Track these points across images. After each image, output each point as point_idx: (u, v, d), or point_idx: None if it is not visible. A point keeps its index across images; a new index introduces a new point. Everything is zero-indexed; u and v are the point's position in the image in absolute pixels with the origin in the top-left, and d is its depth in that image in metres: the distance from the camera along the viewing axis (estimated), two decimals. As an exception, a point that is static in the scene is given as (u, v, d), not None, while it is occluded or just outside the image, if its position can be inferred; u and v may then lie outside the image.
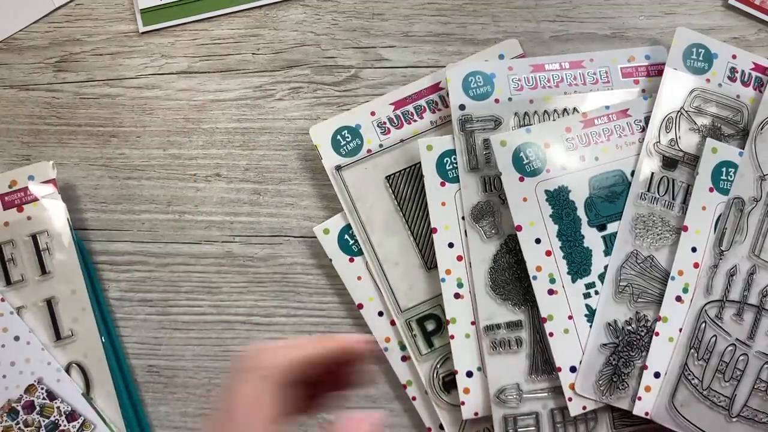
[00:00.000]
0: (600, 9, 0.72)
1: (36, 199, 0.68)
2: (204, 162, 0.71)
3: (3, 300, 0.66)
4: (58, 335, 0.67)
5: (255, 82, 0.72)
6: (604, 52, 0.70)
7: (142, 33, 0.72)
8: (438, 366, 0.66)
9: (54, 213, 0.68)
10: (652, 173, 0.66)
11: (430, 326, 0.67)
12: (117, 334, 0.70)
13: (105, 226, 0.71)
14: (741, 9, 0.70)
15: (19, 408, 0.65)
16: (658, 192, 0.66)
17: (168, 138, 0.71)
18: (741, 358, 0.62)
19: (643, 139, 0.66)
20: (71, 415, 0.65)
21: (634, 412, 0.62)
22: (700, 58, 0.67)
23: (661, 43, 0.70)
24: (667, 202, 0.65)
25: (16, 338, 0.66)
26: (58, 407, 0.65)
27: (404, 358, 0.67)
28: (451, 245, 0.65)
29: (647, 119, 0.67)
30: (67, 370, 0.66)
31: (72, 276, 0.67)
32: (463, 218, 0.65)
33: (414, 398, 0.67)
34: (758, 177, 0.64)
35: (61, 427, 0.65)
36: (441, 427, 0.66)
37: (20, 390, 0.65)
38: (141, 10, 0.72)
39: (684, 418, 0.62)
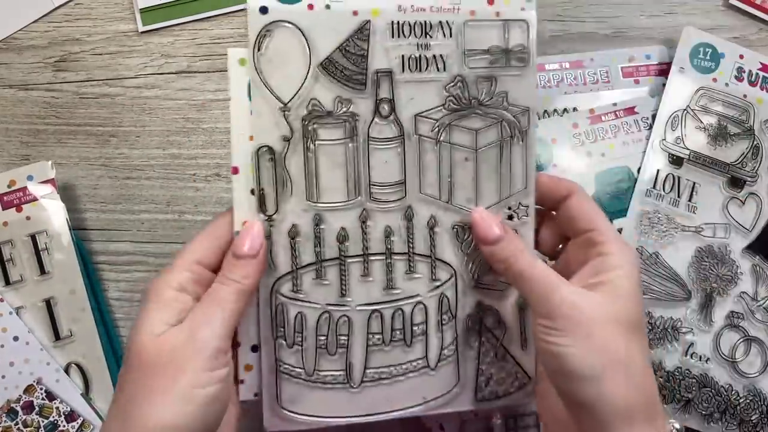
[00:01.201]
0: (600, 8, 0.72)
1: (35, 199, 0.67)
2: (204, 162, 0.71)
3: (2, 300, 0.66)
4: (57, 335, 0.66)
5: (255, 82, 0.72)
6: (605, 51, 0.70)
7: (142, 32, 0.72)
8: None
9: (53, 213, 0.67)
10: (658, 170, 0.66)
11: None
12: (116, 334, 0.69)
13: (104, 226, 0.71)
14: (742, 8, 0.70)
15: (18, 408, 0.65)
16: (664, 189, 0.66)
17: (167, 138, 0.71)
18: (341, 320, 0.53)
19: (650, 136, 0.66)
20: (70, 416, 0.65)
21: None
22: (707, 58, 0.67)
23: (662, 43, 0.70)
24: (672, 200, 0.65)
25: (15, 338, 0.66)
26: (57, 407, 0.65)
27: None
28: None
29: (654, 117, 0.67)
30: (66, 370, 0.66)
31: (71, 276, 0.67)
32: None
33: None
34: (279, 109, 0.51)
35: (61, 428, 0.65)
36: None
37: (19, 390, 0.65)
38: (140, 9, 0.71)
39: (300, 414, 0.53)
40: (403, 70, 0.51)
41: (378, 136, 0.52)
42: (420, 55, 0.52)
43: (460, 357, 0.55)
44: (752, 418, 0.64)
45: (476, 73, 0.52)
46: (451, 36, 0.52)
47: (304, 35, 0.50)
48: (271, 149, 0.51)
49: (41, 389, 0.65)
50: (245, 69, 0.50)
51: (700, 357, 0.65)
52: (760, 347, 0.65)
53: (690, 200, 0.66)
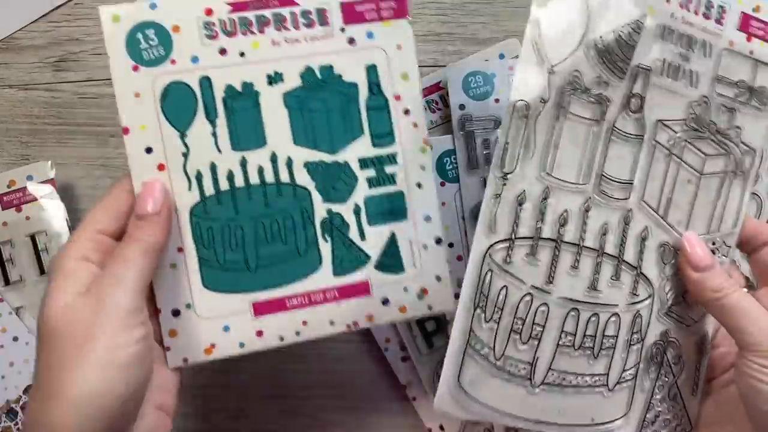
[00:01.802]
0: (601, 8, 0.71)
1: (35, 199, 0.67)
2: (203, 162, 0.71)
3: (2, 300, 0.66)
4: (56, 336, 0.67)
5: (255, 82, 0.71)
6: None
7: (142, 32, 0.72)
8: (438, 366, 0.66)
9: (53, 213, 0.67)
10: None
11: (430, 326, 0.66)
12: (116, 335, 0.69)
13: (104, 226, 0.71)
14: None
15: (18, 408, 0.65)
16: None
17: (167, 138, 0.71)
18: (541, 309, 0.51)
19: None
20: (70, 416, 0.65)
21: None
22: None
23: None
24: None
25: (15, 338, 0.66)
26: (56, 408, 0.65)
27: (404, 359, 0.67)
28: (450, 245, 0.65)
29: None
30: (66, 370, 0.66)
31: (71, 276, 0.67)
32: (463, 218, 0.65)
33: (414, 398, 0.67)
34: (548, 69, 0.50)
35: (60, 428, 0.65)
36: (441, 427, 0.66)
37: (19, 390, 0.65)
38: (140, 9, 0.71)
39: (475, 400, 0.51)
40: (661, 74, 0.52)
41: (622, 128, 0.52)
42: (679, 65, 0.52)
43: (637, 385, 0.54)
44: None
45: (720, 101, 0.53)
46: (710, 56, 0.53)
47: (587, 5, 0.50)
48: (527, 106, 0.50)
49: (41, 389, 0.65)
50: (119, 25, 0.50)
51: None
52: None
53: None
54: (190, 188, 0.52)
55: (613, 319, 0.52)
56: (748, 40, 0.54)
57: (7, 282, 0.67)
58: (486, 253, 0.50)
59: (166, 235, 0.49)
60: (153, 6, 0.51)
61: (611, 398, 0.52)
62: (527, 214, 0.50)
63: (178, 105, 0.51)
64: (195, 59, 0.51)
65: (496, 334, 0.50)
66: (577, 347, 0.51)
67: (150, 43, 0.51)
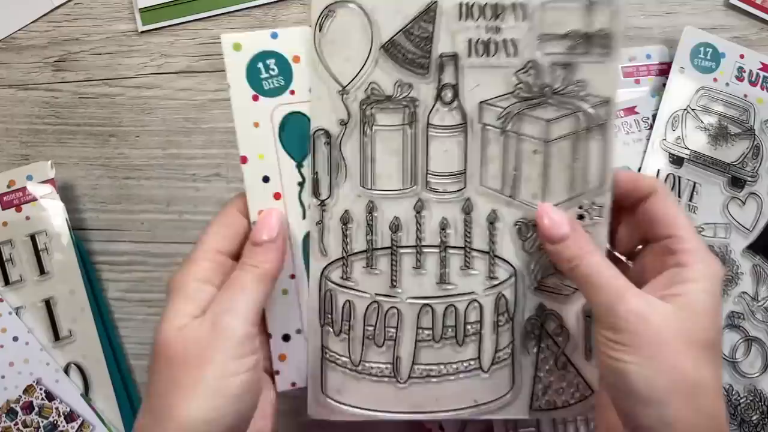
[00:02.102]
0: (601, 8, 0.71)
1: (35, 199, 0.67)
2: (204, 162, 0.71)
3: (2, 300, 0.66)
4: (56, 335, 0.66)
5: (255, 82, 0.72)
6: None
7: (142, 32, 0.72)
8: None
9: (53, 213, 0.67)
10: (659, 170, 0.66)
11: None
12: (116, 335, 0.69)
13: (104, 226, 0.71)
14: (742, 8, 0.70)
15: (18, 408, 0.65)
16: (664, 188, 0.66)
17: (167, 138, 0.71)
18: (390, 313, 0.51)
19: (650, 136, 0.66)
20: (70, 416, 0.65)
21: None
22: (708, 58, 0.67)
23: (662, 43, 0.70)
24: None
25: (15, 338, 0.66)
26: (56, 408, 0.65)
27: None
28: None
29: (654, 117, 0.67)
30: (66, 370, 0.66)
31: (71, 276, 0.67)
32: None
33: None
34: (338, 92, 0.50)
35: (60, 428, 0.65)
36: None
37: (19, 390, 0.65)
38: (140, 9, 0.71)
39: (346, 404, 0.52)
40: (470, 55, 0.49)
41: (439, 123, 0.50)
42: (489, 39, 0.48)
43: (516, 362, 0.52)
44: (752, 419, 0.64)
45: (551, 60, 0.49)
46: (524, 19, 0.48)
47: (367, 16, 0.48)
48: (327, 132, 0.50)
49: (41, 389, 0.65)
50: (241, 54, 0.50)
51: (701, 357, 0.65)
52: (760, 347, 0.65)
53: (690, 200, 0.66)
54: (304, 217, 0.51)
55: (473, 305, 0.51)
56: None
57: (7, 282, 0.67)
58: (321, 275, 0.51)
59: (281, 263, 0.49)
60: (274, 35, 0.50)
61: (490, 379, 0.52)
62: (356, 231, 0.51)
63: (296, 135, 0.51)
64: None
65: (349, 344, 0.51)
66: (437, 339, 0.51)
67: (270, 72, 0.50)
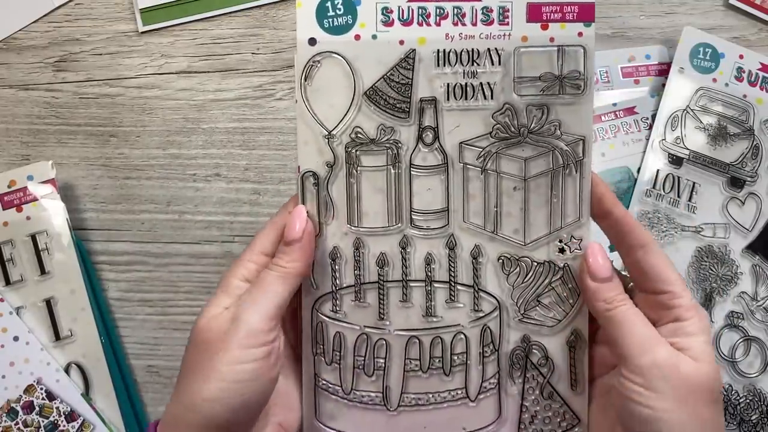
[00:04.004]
0: (600, 9, 0.71)
1: (35, 199, 0.67)
2: (204, 162, 0.71)
3: (2, 300, 0.66)
4: (57, 335, 0.66)
5: (255, 82, 0.72)
6: (605, 51, 0.70)
7: (142, 32, 0.72)
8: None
9: (53, 213, 0.67)
10: (658, 170, 0.66)
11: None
12: (116, 335, 0.69)
13: (104, 226, 0.71)
14: (741, 8, 0.70)
15: (19, 408, 0.65)
16: (664, 189, 0.66)
17: (168, 138, 0.71)
18: (379, 344, 0.53)
19: (650, 136, 0.66)
20: (70, 416, 0.65)
21: None
22: (707, 58, 0.67)
23: (661, 43, 0.70)
24: (672, 200, 0.65)
25: (16, 338, 0.66)
26: (57, 407, 0.65)
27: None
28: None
29: (654, 117, 0.67)
30: (67, 370, 0.66)
31: (71, 276, 0.67)
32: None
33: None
34: (324, 136, 0.52)
35: (61, 428, 0.65)
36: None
37: (19, 390, 0.65)
38: (140, 9, 0.71)
39: (339, 431, 0.54)
40: (448, 99, 0.51)
41: (421, 163, 0.52)
42: (466, 83, 0.51)
43: (502, 391, 0.54)
44: (752, 418, 0.64)
45: (527, 101, 0.51)
46: (499, 63, 0.50)
47: (350, 65, 0.51)
48: (315, 174, 0.52)
49: (41, 389, 0.65)
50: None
51: (700, 357, 0.65)
52: (759, 347, 0.65)
53: (690, 200, 0.66)
54: None
55: (459, 337, 0.53)
56: (544, 28, 0.50)
57: (7, 282, 0.67)
58: (312, 308, 0.53)
59: (305, 261, 0.50)
60: None
61: (477, 407, 0.53)
62: (344, 267, 0.53)
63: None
64: None
65: (341, 373, 0.53)
66: (425, 370, 0.53)
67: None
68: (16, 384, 0.65)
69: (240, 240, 0.70)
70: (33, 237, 0.67)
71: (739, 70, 0.67)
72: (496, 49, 0.51)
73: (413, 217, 0.52)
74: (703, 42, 0.67)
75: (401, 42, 0.50)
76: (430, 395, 0.53)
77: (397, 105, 0.51)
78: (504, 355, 0.53)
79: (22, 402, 0.65)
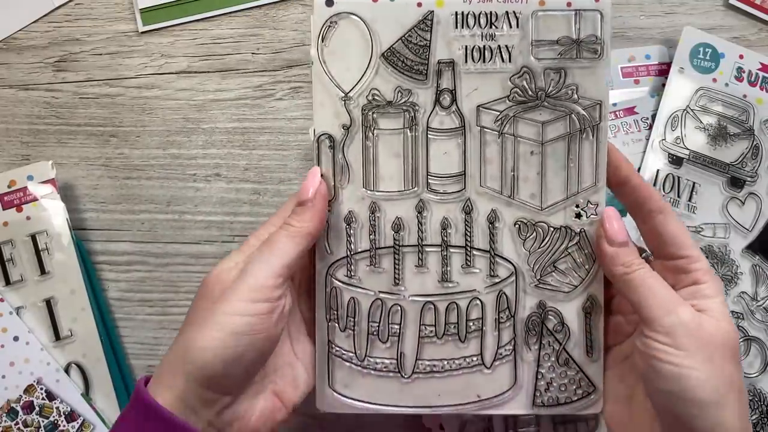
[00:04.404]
0: (601, 8, 0.72)
1: (35, 199, 0.67)
2: (204, 162, 0.71)
3: (2, 300, 0.66)
4: (57, 335, 0.66)
5: (255, 82, 0.72)
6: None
7: (142, 32, 0.72)
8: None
9: (53, 213, 0.67)
10: (658, 170, 0.66)
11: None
12: (116, 335, 0.69)
13: (104, 226, 0.71)
14: (741, 8, 0.70)
15: (19, 408, 0.65)
16: (664, 189, 0.66)
17: (168, 138, 0.71)
18: (394, 310, 0.53)
19: (650, 136, 0.66)
20: (71, 416, 0.65)
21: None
22: (707, 58, 0.67)
23: (661, 43, 0.70)
24: (672, 200, 0.65)
25: (16, 338, 0.66)
26: (57, 407, 0.65)
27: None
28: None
29: (654, 117, 0.67)
30: (67, 370, 0.66)
31: (71, 276, 0.67)
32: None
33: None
34: (340, 99, 0.52)
35: (61, 428, 0.65)
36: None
37: (19, 390, 0.65)
38: (140, 9, 0.71)
39: (352, 399, 0.54)
40: (467, 61, 0.51)
41: (438, 126, 0.52)
42: (484, 46, 0.51)
43: (518, 358, 0.54)
44: (752, 418, 0.64)
45: (544, 65, 0.51)
46: (518, 26, 0.51)
47: (367, 26, 0.51)
48: (330, 137, 0.52)
49: (41, 389, 0.65)
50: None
51: (700, 357, 0.65)
52: (760, 347, 0.65)
53: (690, 200, 0.66)
54: None
55: (475, 303, 0.53)
56: None
57: (7, 282, 0.67)
58: (326, 273, 0.53)
59: (316, 223, 0.51)
60: None
61: (492, 375, 0.53)
62: (359, 231, 0.53)
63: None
64: None
65: (355, 340, 0.53)
66: (440, 336, 0.53)
67: None
68: (16, 384, 0.65)
69: (240, 240, 0.70)
70: (33, 237, 0.67)
71: (739, 70, 0.67)
72: (514, 12, 0.51)
73: (430, 180, 0.53)
74: (703, 42, 0.67)
75: (419, 4, 0.51)
76: (445, 362, 0.53)
77: (415, 67, 0.52)
78: (520, 321, 0.53)
79: (22, 402, 0.65)
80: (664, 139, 0.66)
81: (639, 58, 0.69)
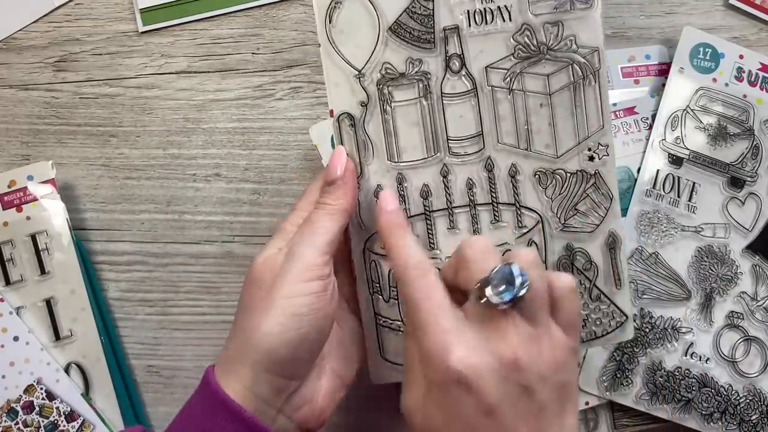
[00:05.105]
0: (601, 8, 0.72)
1: (35, 199, 0.67)
2: (204, 162, 0.71)
3: (2, 300, 0.66)
4: (57, 335, 0.66)
5: (255, 82, 0.72)
6: (605, 51, 0.70)
7: (142, 32, 0.72)
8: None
9: (53, 213, 0.67)
10: (658, 170, 0.66)
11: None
12: (116, 334, 0.69)
13: (104, 226, 0.71)
14: (741, 8, 0.70)
15: (19, 408, 0.65)
16: (664, 189, 0.66)
17: (167, 138, 0.71)
18: None
19: (650, 136, 0.66)
20: (71, 416, 0.65)
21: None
22: (707, 58, 0.67)
23: (661, 43, 0.70)
24: (672, 200, 0.65)
25: (16, 338, 0.66)
26: (57, 407, 0.65)
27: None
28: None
29: (654, 117, 0.67)
30: (67, 370, 0.66)
31: (71, 276, 0.67)
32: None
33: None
34: (354, 77, 0.54)
35: (61, 428, 0.65)
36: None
37: (19, 390, 0.65)
38: (140, 9, 0.71)
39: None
40: (470, 25, 0.53)
41: (451, 91, 0.54)
42: (484, 9, 0.53)
43: None
44: (752, 418, 0.64)
45: (542, 20, 0.53)
46: None
47: (371, 3, 0.53)
48: (350, 116, 0.54)
49: (41, 389, 0.65)
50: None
51: (700, 357, 0.65)
52: (760, 347, 0.65)
53: (690, 200, 0.66)
54: None
55: None
56: None
57: (7, 282, 0.67)
58: (364, 247, 0.55)
59: (350, 198, 0.52)
60: None
61: None
62: None
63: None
64: None
65: (400, 308, 0.55)
66: None
67: None
68: (16, 384, 0.65)
69: (240, 240, 0.70)
70: (33, 237, 0.67)
71: (739, 70, 0.67)
72: None
73: (450, 144, 0.55)
74: (703, 42, 0.67)
75: None
76: None
77: (422, 36, 0.54)
78: (551, 265, 0.56)
79: (22, 402, 0.65)
80: (664, 139, 0.66)
81: (639, 58, 0.69)
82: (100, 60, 0.72)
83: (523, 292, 0.43)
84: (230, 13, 0.72)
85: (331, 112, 0.54)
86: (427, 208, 0.55)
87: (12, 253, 0.67)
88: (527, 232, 0.55)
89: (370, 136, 0.54)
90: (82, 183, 0.71)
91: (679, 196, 0.66)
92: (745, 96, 0.67)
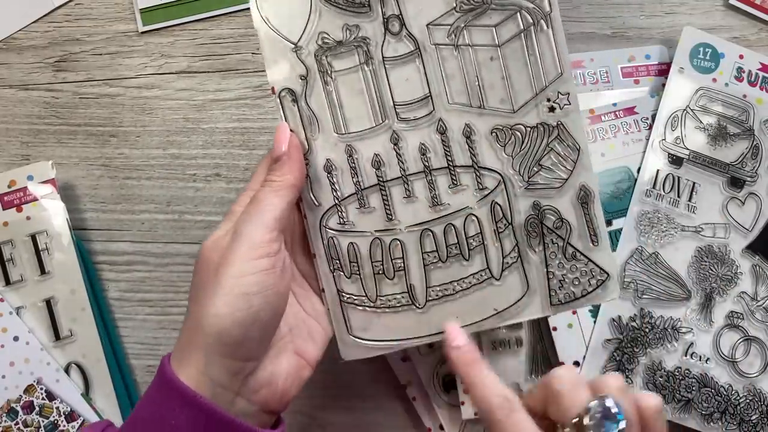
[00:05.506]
0: (600, 8, 0.71)
1: (35, 199, 0.67)
2: (204, 162, 0.71)
3: (2, 300, 0.66)
4: (57, 335, 0.66)
5: (255, 82, 0.72)
6: (605, 51, 0.70)
7: (142, 32, 0.72)
8: (438, 366, 0.66)
9: (53, 213, 0.67)
10: (658, 170, 0.66)
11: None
12: (116, 334, 0.69)
13: (104, 226, 0.71)
14: (741, 8, 0.70)
15: (19, 408, 0.65)
16: (664, 189, 0.66)
17: (167, 138, 0.71)
18: (393, 245, 0.53)
19: (650, 136, 0.66)
20: (70, 416, 0.65)
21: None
22: (707, 58, 0.67)
23: (661, 43, 0.70)
24: (672, 200, 0.65)
25: (16, 338, 0.66)
26: (57, 407, 0.65)
27: (404, 359, 0.66)
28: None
29: (654, 117, 0.67)
30: (67, 370, 0.66)
31: (71, 276, 0.67)
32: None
33: (414, 398, 0.67)
34: (291, 50, 0.53)
35: (61, 428, 0.65)
36: (441, 427, 0.66)
37: (19, 390, 0.65)
38: (140, 9, 0.71)
39: (373, 341, 0.54)
40: None
41: (393, 54, 0.52)
42: None
43: (525, 263, 0.53)
44: (752, 418, 0.64)
45: None
46: None
47: None
48: (291, 91, 0.52)
49: (41, 389, 0.65)
50: None
51: (700, 357, 0.65)
52: (759, 347, 0.65)
53: (690, 200, 0.66)
54: None
55: (470, 219, 0.53)
56: None
57: (7, 282, 0.67)
58: (320, 225, 0.53)
59: (296, 174, 0.51)
60: None
61: (504, 285, 0.53)
62: (341, 177, 0.53)
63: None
64: None
65: (363, 283, 0.53)
66: (444, 260, 0.53)
67: None
68: (16, 384, 0.65)
69: (240, 240, 0.70)
70: (33, 237, 0.67)
71: (739, 70, 0.67)
72: None
73: (397, 110, 0.53)
74: (703, 42, 0.67)
75: None
76: (455, 283, 0.53)
77: (356, 1, 0.52)
78: (518, 226, 0.53)
79: (22, 402, 0.65)
80: (664, 139, 0.66)
81: (639, 58, 0.69)
82: (100, 60, 0.72)
83: (622, 426, 0.43)
84: (230, 13, 0.72)
85: (273, 89, 0.52)
86: (381, 179, 0.53)
87: (12, 253, 0.67)
88: (489, 193, 0.52)
89: (313, 110, 0.52)
90: (82, 183, 0.71)
91: (679, 196, 0.66)
92: (745, 96, 0.67)
